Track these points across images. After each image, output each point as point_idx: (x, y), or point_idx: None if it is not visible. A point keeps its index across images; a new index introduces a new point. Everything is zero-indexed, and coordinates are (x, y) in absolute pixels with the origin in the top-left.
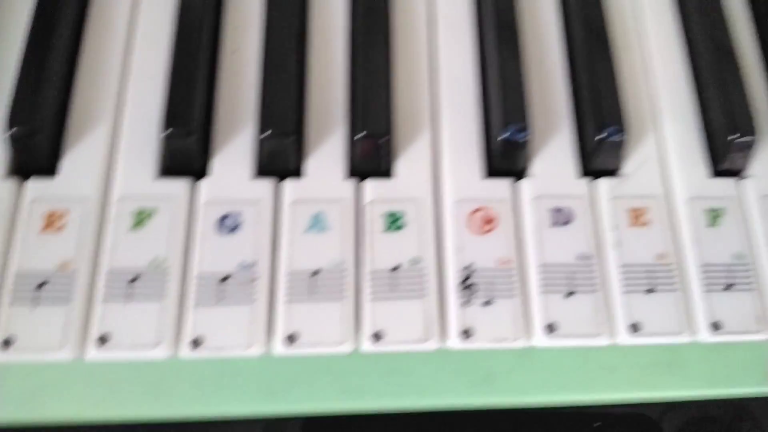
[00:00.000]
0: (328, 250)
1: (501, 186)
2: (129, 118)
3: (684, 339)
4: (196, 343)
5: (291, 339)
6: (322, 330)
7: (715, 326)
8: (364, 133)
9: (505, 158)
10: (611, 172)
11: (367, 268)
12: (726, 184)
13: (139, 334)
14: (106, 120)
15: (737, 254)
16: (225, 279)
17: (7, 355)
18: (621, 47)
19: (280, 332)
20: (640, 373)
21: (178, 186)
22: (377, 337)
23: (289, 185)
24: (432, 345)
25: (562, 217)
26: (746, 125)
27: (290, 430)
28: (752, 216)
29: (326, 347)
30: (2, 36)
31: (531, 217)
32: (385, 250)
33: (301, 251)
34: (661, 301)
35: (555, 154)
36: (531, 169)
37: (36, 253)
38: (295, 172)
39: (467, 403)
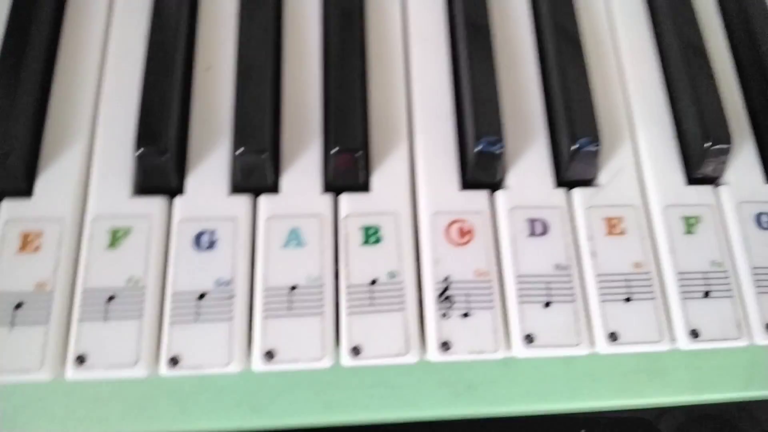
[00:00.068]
0: (306, 265)
1: (477, 198)
2: (103, 137)
3: (663, 347)
4: (174, 361)
5: (269, 355)
6: (301, 346)
7: (694, 333)
8: (338, 148)
9: (481, 170)
10: (588, 182)
11: (344, 283)
12: (702, 191)
13: (117, 353)
14: (81, 140)
15: (714, 261)
16: (202, 296)
17: None
18: (595, 55)
19: (258, 349)
20: (622, 381)
21: (154, 204)
22: (356, 351)
23: (265, 201)
24: (411, 358)
25: (538, 228)
26: (721, 133)
27: None
28: (729, 223)
29: (305, 363)
30: None
31: (508, 229)
32: (362, 264)
33: (278, 267)
34: (639, 310)
35: (531, 165)
36: (507, 181)
37: (13, 273)
38: (272, 187)
39: (450, 414)
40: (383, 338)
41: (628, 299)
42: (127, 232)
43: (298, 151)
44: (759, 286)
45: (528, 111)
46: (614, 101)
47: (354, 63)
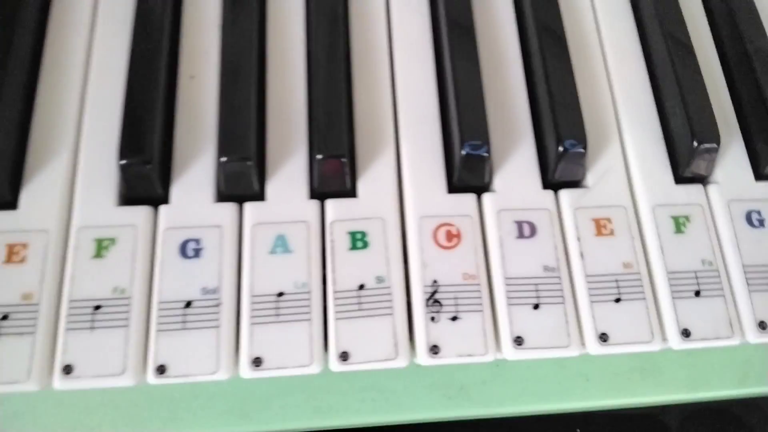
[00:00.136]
0: (293, 271)
1: (464, 201)
2: (87, 147)
3: (654, 347)
4: (161, 369)
5: (257, 362)
6: (289, 352)
7: (686, 333)
8: (324, 154)
9: (468, 173)
10: (575, 183)
11: (332, 288)
12: (691, 190)
13: (104, 363)
14: (65, 150)
15: (705, 260)
16: (189, 305)
17: None
18: (580, 55)
19: (245, 356)
20: (615, 380)
21: (139, 214)
22: (345, 356)
23: (251, 208)
24: (400, 363)
25: (526, 230)
26: (710, 132)
27: None
28: (719, 221)
29: (293, 369)
30: None
31: (495, 231)
32: (350, 269)
33: (264, 274)
34: (629, 310)
35: (517, 167)
36: (494, 183)
37: None
38: (257, 195)
39: (443, 416)
40: (372, 343)
41: (618, 300)
42: (112, 241)
43: (284, 158)
44: (750, 284)
45: (514, 113)
46: (601, 101)
47: (338, 68)
